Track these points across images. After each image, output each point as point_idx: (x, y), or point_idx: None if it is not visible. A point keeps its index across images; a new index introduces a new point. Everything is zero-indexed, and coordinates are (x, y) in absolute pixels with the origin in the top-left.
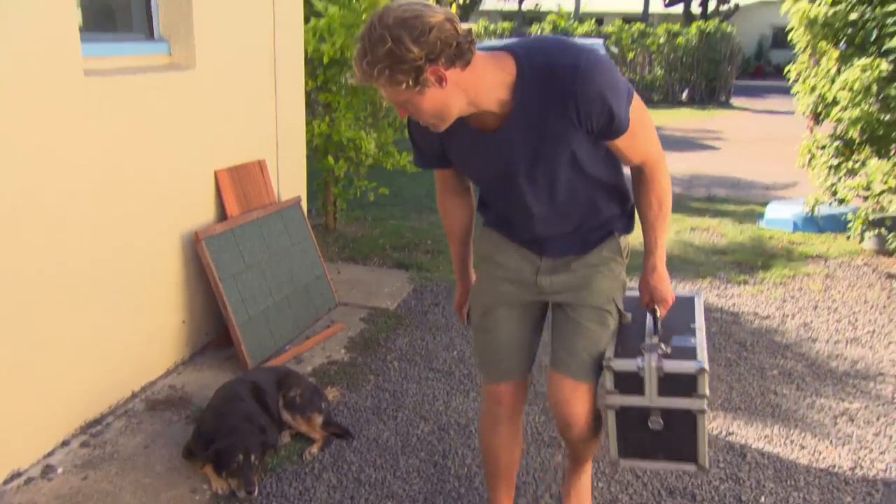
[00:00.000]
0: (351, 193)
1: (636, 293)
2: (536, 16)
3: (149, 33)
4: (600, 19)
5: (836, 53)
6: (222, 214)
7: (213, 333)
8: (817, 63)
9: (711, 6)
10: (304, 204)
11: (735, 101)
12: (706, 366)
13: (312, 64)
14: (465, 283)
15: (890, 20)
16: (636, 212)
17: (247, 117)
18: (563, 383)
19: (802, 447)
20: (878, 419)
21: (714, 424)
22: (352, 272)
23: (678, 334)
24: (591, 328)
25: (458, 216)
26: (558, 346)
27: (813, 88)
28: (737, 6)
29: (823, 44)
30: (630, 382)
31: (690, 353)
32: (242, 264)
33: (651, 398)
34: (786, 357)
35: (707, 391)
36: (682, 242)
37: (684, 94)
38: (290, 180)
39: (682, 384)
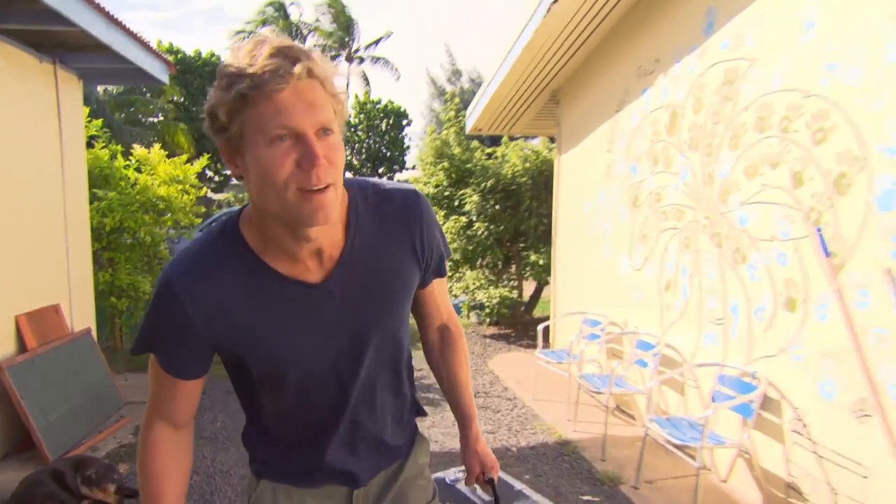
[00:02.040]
0: (133, 321)
1: (448, 476)
2: None
3: None
4: None
5: (442, 212)
6: (23, 348)
7: (15, 440)
8: None
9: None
10: (94, 332)
11: None
12: None
13: (98, 231)
14: None
15: (463, 197)
16: (446, 378)
17: (44, 273)
18: None
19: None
20: (483, 424)
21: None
22: (138, 379)
23: (516, 500)
24: None
25: (179, 460)
26: None
27: None
28: None
29: (436, 208)
30: None
31: None
32: (41, 383)
33: None
34: (432, 391)
35: None
36: None
37: None
38: (81, 316)
39: None
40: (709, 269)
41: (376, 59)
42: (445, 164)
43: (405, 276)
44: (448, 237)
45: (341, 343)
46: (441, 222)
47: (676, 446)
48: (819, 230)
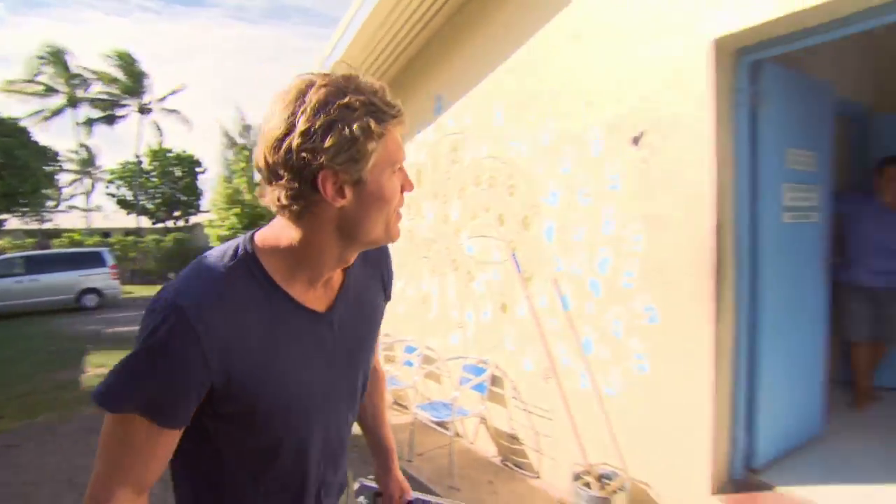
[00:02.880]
0: None
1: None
2: (56, 232)
3: None
4: (107, 233)
5: None
6: None
7: None
8: None
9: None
10: None
11: None
12: None
13: None
14: None
15: None
16: (370, 416)
17: None
18: None
19: None
20: None
21: None
22: None
23: None
24: None
25: None
26: None
27: None
28: (191, 225)
29: None
30: None
31: None
32: None
33: None
34: None
35: None
36: None
37: (170, 275)
38: None
39: None
40: (451, 287)
41: (170, 111)
42: (238, 209)
43: (380, 309)
44: None
45: (335, 379)
46: None
47: (437, 423)
48: (514, 255)
